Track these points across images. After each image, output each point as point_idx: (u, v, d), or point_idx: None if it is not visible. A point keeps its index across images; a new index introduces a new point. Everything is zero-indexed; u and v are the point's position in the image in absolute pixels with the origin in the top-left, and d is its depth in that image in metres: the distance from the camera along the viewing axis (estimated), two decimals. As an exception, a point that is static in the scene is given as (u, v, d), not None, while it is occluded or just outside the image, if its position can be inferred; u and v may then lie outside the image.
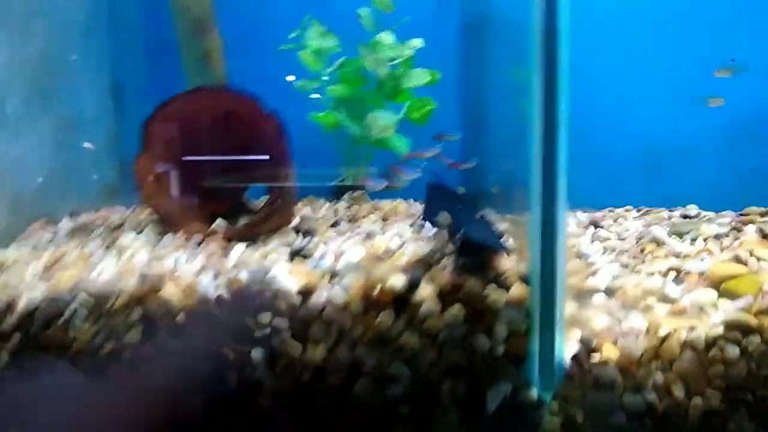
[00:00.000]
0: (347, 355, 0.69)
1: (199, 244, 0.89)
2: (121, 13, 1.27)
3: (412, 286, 0.69)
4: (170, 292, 0.70)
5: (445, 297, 0.69)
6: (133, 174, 0.96)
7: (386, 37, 1.15)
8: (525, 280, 0.69)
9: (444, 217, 0.84)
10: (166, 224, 0.91)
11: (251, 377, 0.70)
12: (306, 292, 0.71)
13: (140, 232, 0.92)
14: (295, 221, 1.03)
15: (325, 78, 1.22)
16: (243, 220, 1.02)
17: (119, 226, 0.96)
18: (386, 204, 1.16)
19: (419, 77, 1.18)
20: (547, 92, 0.64)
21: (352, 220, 1.09)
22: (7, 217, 0.90)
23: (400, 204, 1.17)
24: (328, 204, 1.20)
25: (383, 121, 1.17)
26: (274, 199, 0.92)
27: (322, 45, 1.21)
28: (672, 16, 1.31)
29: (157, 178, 0.91)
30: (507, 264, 0.73)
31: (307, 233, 0.98)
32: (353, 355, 0.70)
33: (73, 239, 0.92)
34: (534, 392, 0.69)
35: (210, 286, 0.71)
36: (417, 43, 1.17)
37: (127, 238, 0.88)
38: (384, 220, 1.09)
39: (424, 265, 0.73)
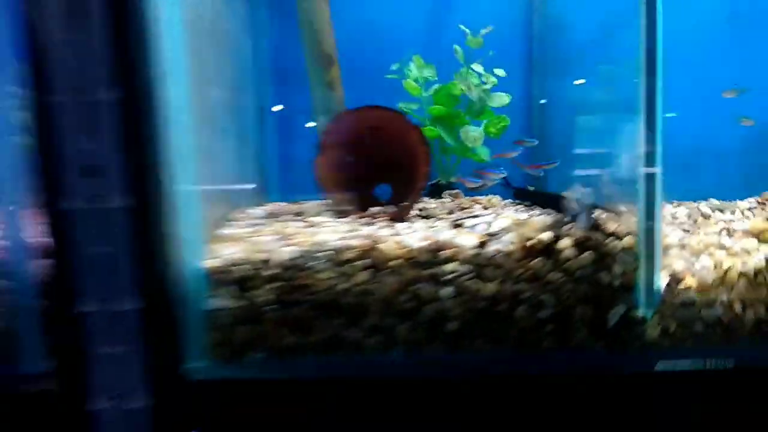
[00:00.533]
0: (511, 289, 0.99)
1: (370, 224, 1.19)
2: (261, 50, 1.58)
3: (556, 238, 1.00)
4: (386, 246, 1.00)
5: (578, 246, 1.00)
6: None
7: (477, 67, 1.47)
8: (632, 234, 1.01)
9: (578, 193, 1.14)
10: (340, 210, 1.21)
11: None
12: (479, 246, 1.01)
13: (321, 215, 1.22)
14: (415, 211, 1.34)
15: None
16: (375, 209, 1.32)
17: (299, 213, 1.25)
18: (482, 198, 1.47)
19: (501, 99, 1.50)
20: (649, 95, 0.96)
21: (462, 209, 1.39)
22: (225, 208, 1.19)
23: (493, 198, 1.48)
24: (432, 200, 1.51)
25: (474, 134, 1.49)
26: (416, 191, 1.22)
27: (421, 74, 1.53)
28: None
29: (331, 176, 1.21)
30: (615, 225, 1.04)
31: (431, 218, 1.28)
32: (515, 289, 1.00)
33: (273, 221, 1.20)
34: (641, 311, 0.99)
35: (413, 241, 1.01)
36: (501, 72, 1.49)
37: (317, 219, 1.18)
38: (485, 209, 1.40)
39: (556, 227, 1.04)
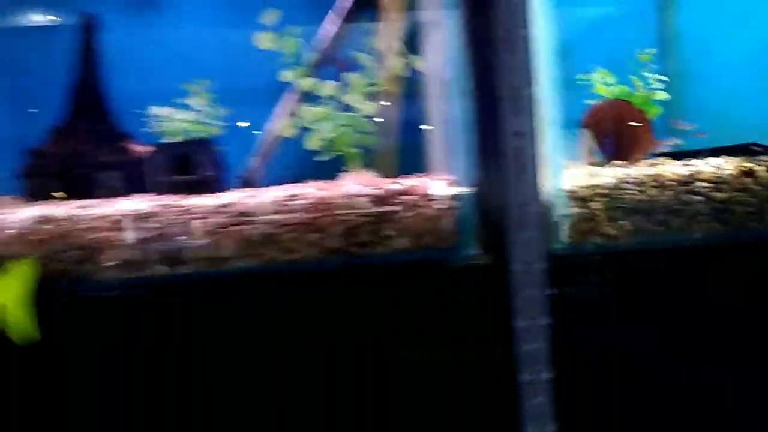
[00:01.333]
0: (732, 195, 1.75)
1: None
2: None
3: (752, 168, 1.77)
4: (663, 172, 1.75)
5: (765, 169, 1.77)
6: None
7: (647, 74, 2.25)
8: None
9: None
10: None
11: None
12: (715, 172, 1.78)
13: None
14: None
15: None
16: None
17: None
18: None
19: (662, 95, 2.28)
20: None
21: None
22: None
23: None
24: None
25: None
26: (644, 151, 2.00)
27: (605, 81, 2.30)
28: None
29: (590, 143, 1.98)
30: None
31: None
32: (734, 195, 1.75)
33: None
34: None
35: (677, 170, 1.77)
36: (663, 78, 2.27)
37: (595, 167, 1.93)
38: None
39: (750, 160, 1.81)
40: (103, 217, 1.58)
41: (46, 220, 1.57)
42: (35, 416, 1.60)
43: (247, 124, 2.26)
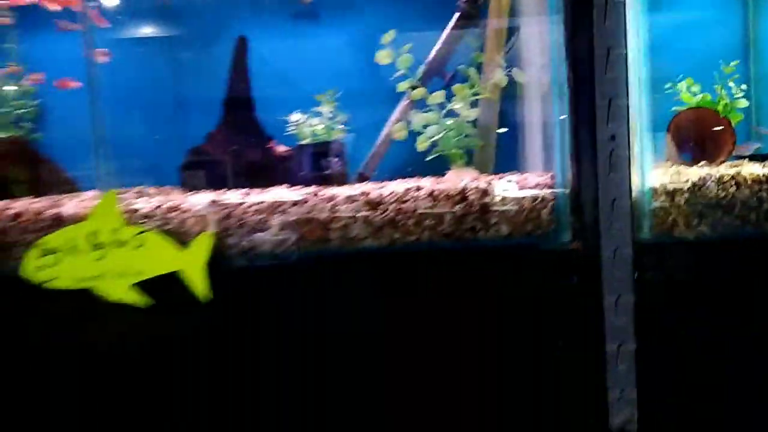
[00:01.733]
0: (807, 193, 1.95)
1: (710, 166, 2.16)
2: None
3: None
4: (742, 172, 1.97)
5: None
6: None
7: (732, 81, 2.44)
8: None
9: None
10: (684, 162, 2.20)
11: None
12: (788, 173, 1.98)
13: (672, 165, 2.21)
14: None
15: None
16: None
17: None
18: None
19: (743, 103, 2.46)
20: None
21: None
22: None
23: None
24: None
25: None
26: (726, 154, 2.21)
27: (691, 89, 2.50)
28: None
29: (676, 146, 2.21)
30: None
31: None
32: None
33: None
34: None
35: (756, 170, 1.98)
36: (744, 87, 2.46)
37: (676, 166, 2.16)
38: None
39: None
40: (262, 203, 1.96)
41: (219, 204, 1.96)
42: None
43: (365, 126, 2.61)
